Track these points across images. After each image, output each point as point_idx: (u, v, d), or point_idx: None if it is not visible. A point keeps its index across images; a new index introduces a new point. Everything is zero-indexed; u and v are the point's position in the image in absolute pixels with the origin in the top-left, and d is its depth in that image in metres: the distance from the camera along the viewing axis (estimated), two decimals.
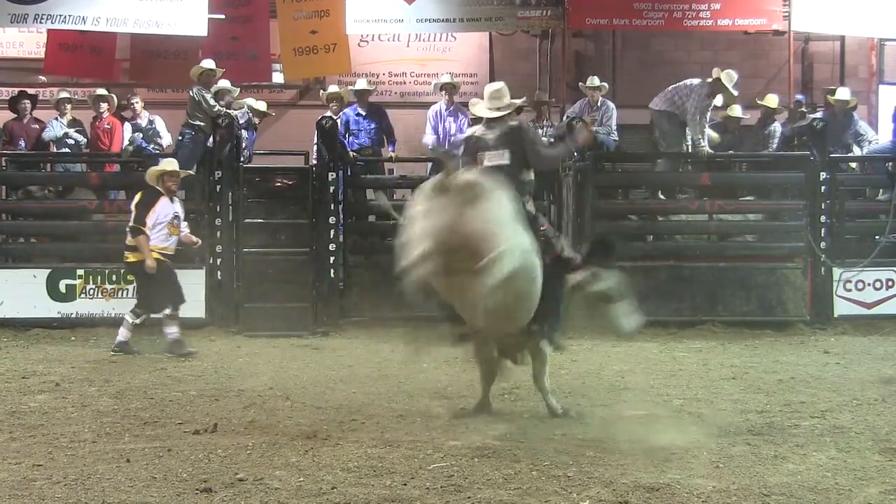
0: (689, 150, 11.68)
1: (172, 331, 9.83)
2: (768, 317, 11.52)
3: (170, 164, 10.22)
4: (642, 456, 5.82)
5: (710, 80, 11.59)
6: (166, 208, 9.93)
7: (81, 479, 5.32)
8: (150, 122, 12.41)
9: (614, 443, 6.14)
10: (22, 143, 12.32)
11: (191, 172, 10.97)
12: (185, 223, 10.26)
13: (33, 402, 7.46)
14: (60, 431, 6.47)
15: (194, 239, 10.34)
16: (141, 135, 12.19)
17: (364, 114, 12.32)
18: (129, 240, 9.96)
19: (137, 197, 10.04)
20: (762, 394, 7.83)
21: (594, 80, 12.42)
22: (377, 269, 10.89)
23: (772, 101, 12.50)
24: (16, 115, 12.42)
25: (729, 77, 11.56)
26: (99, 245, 11.99)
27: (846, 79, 14.61)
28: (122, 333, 9.88)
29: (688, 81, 11.70)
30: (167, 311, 9.86)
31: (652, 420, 6.82)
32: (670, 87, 11.74)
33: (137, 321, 9.92)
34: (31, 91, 12.84)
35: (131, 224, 9.91)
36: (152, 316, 10.02)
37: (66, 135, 12.15)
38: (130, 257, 10.00)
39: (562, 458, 5.75)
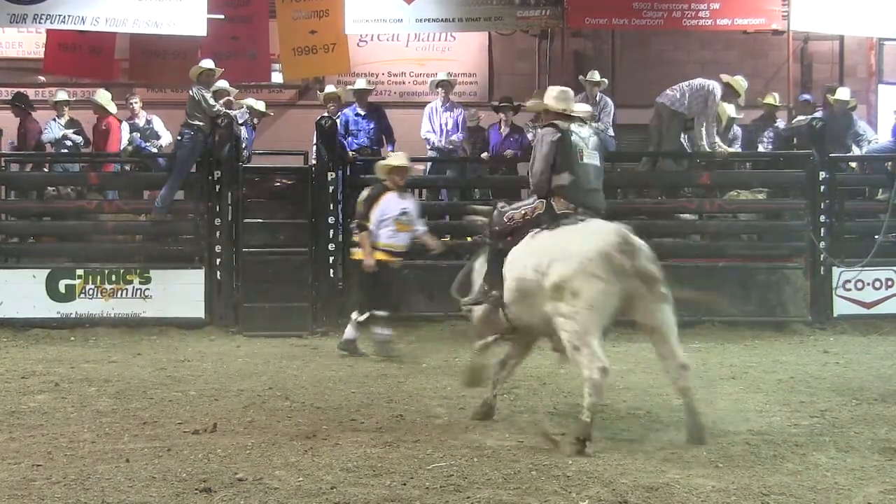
0: (709, 151, 11.57)
1: (382, 332, 9.58)
2: (768, 317, 11.51)
3: (397, 159, 9.89)
4: (642, 455, 5.82)
5: (724, 81, 11.55)
6: (392, 204, 9.57)
7: (81, 479, 5.31)
8: (148, 121, 12.41)
9: (614, 443, 6.14)
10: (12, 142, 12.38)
11: (418, 167, 10.80)
12: (422, 220, 9.92)
13: (33, 402, 7.45)
14: (60, 431, 6.46)
15: (431, 243, 9.91)
16: (139, 134, 12.19)
17: (363, 114, 12.28)
18: (355, 235, 9.77)
19: (364, 192, 9.77)
20: (761, 394, 7.82)
21: (594, 75, 12.37)
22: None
23: (772, 99, 12.57)
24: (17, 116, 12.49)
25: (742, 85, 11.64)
26: (98, 245, 12.00)
27: (845, 78, 14.62)
28: (349, 332, 9.66)
29: (703, 83, 11.50)
30: (380, 313, 9.56)
31: (652, 420, 6.82)
32: (685, 85, 11.55)
33: (361, 319, 9.60)
34: (24, 90, 12.92)
35: (356, 220, 9.68)
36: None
37: (64, 136, 12.16)
38: (357, 254, 9.72)
39: (562, 458, 5.75)
